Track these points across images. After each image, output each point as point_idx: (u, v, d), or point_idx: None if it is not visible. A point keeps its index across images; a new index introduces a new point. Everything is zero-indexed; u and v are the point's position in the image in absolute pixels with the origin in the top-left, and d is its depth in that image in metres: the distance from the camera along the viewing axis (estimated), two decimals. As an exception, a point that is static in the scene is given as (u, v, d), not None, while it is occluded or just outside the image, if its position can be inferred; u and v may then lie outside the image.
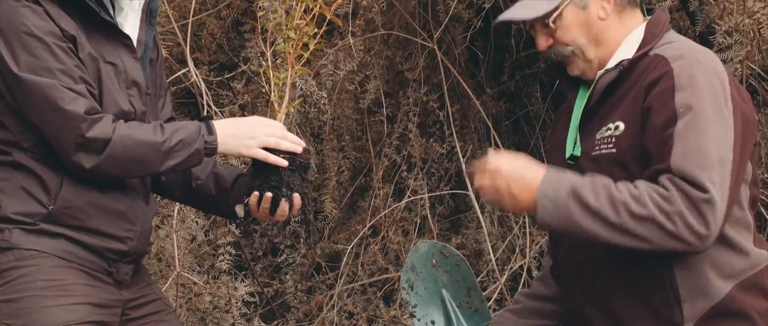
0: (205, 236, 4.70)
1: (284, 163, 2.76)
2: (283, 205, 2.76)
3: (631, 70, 2.59)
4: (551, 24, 2.66)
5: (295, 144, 2.79)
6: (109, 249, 2.70)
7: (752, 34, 3.87)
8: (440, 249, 3.08)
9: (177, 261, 4.31)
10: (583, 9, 2.65)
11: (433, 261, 3.06)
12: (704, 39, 4.13)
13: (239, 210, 2.87)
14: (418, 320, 3.02)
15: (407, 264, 3.02)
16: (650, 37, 2.63)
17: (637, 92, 2.52)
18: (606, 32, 2.66)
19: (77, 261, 2.65)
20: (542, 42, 2.71)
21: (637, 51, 2.61)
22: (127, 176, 2.71)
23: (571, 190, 2.41)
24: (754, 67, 4.03)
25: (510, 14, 2.73)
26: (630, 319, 2.53)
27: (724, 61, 3.84)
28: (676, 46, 2.57)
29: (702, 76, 2.43)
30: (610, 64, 2.64)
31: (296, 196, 2.78)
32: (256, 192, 2.77)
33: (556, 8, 2.64)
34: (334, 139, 5.00)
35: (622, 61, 2.61)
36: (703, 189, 2.32)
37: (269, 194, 2.76)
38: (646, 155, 2.46)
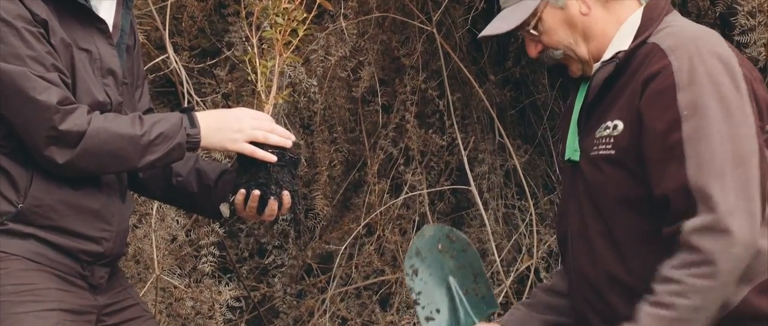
0: (187, 236, 4.70)
1: (273, 158, 2.76)
2: (272, 204, 2.77)
3: (629, 62, 2.60)
4: (533, 31, 2.70)
5: (285, 138, 2.79)
6: (83, 251, 2.70)
7: (777, 16, 3.88)
8: (447, 233, 3.11)
9: (156, 263, 4.32)
10: (562, 9, 2.69)
11: (440, 246, 3.09)
12: (725, 20, 4.14)
13: (224, 209, 2.86)
14: (423, 308, 3.04)
15: (411, 250, 3.05)
16: (647, 23, 2.64)
17: (634, 87, 2.54)
18: (593, 26, 2.69)
19: (49, 264, 2.65)
20: (532, 49, 2.77)
21: (634, 40, 2.63)
22: (103, 172, 2.71)
23: None
24: (778, 51, 4.03)
25: (490, 29, 2.78)
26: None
27: (745, 45, 3.85)
28: (673, 32, 2.57)
29: (704, 67, 2.44)
30: (606, 56, 2.67)
31: (285, 194, 2.79)
32: (243, 190, 2.77)
33: (534, 14, 2.69)
34: (326, 130, 5.00)
35: (618, 53, 2.63)
36: (719, 202, 2.36)
37: (257, 192, 2.76)
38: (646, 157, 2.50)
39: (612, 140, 2.56)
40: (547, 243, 4.71)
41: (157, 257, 4.32)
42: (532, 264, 4.65)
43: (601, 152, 2.59)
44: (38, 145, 2.57)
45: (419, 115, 4.92)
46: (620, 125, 2.55)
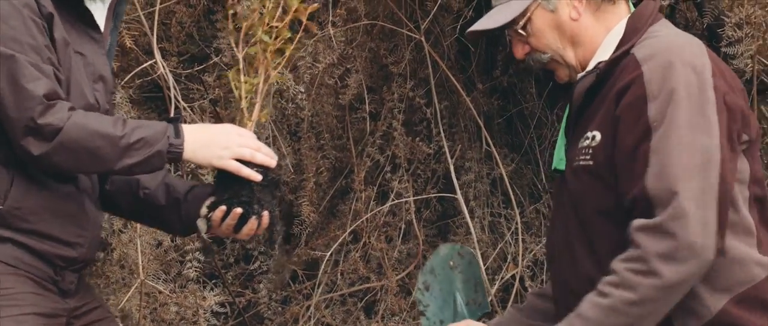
0: (172, 241, 4.68)
1: (258, 177, 2.73)
2: (252, 223, 2.74)
3: (610, 73, 2.59)
4: (521, 31, 2.69)
5: (270, 157, 2.77)
6: (58, 256, 2.70)
7: (764, 27, 3.87)
8: (458, 250, 3.29)
9: (141, 268, 4.31)
10: (552, 12, 2.68)
11: (451, 263, 3.24)
12: (712, 31, 4.13)
13: (201, 224, 2.81)
14: (427, 319, 3.17)
15: (427, 267, 3.22)
16: (631, 33, 2.62)
17: (610, 99, 2.54)
18: (582, 33, 2.68)
19: (25, 268, 2.64)
20: (518, 50, 2.76)
21: (615, 50, 2.61)
22: (79, 169, 2.69)
23: None
24: (765, 62, 4.03)
25: (479, 25, 2.77)
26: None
27: (733, 56, 3.84)
28: (652, 43, 2.56)
29: (675, 78, 2.43)
30: (590, 66, 2.66)
31: (265, 214, 2.76)
32: (224, 207, 2.74)
33: (524, 14, 2.68)
34: (313, 137, 4.99)
35: (599, 63, 2.63)
36: (670, 206, 2.36)
37: (239, 210, 2.73)
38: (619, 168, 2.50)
39: (591, 151, 2.57)
40: (533, 252, 4.71)
41: (141, 262, 4.32)
42: (517, 272, 4.65)
43: (581, 162, 2.59)
44: (16, 134, 2.55)
45: (406, 122, 4.91)
46: (598, 136, 2.55)
